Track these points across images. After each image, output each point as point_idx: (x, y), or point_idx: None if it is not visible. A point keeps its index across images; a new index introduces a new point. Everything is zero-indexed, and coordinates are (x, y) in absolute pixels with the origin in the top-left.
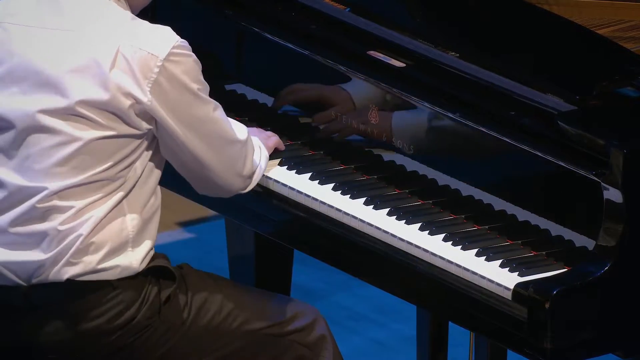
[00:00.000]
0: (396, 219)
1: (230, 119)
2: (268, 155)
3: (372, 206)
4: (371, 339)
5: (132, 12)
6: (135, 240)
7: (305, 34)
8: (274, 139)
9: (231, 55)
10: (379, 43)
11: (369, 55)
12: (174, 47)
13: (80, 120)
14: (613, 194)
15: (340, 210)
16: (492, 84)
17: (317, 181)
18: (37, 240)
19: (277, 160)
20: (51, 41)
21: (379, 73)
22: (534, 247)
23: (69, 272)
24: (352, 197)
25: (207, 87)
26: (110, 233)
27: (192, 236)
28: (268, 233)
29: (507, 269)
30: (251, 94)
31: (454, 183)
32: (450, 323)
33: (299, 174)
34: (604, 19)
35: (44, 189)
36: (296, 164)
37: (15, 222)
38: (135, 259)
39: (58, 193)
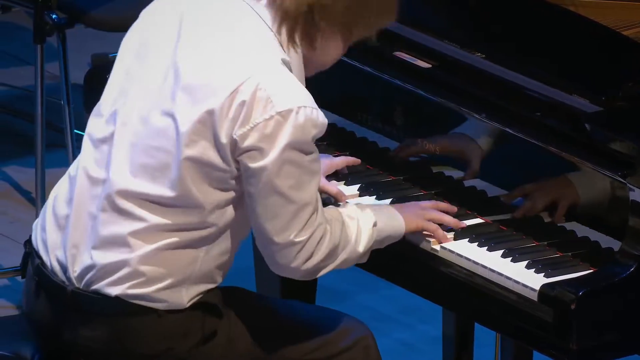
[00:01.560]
0: None
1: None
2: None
3: None
4: (397, 340)
5: (306, 70)
6: (195, 281)
7: None
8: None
9: None
10: (405, 44)
11: (395, 56)
12: (299, 107)
13: (183, 138)
14: (639, 195)
15: None
16: (517, 84)
17: (343, 182)
18: (103, 240)
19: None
20: (201, 50)
21: (405, 74)
22: (559, 248)
23: (119, 291)
24: (378, 198)
25: (312, 165)
26: (174, 267)
27: None
28: None
29: (533, 270)
30: None
31: (480, 184)
32: (475, 324)
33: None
34: (629, 20)
35: (128, 186)
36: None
37: (100, 216)
38: (188, 297)
39: (142, 199)
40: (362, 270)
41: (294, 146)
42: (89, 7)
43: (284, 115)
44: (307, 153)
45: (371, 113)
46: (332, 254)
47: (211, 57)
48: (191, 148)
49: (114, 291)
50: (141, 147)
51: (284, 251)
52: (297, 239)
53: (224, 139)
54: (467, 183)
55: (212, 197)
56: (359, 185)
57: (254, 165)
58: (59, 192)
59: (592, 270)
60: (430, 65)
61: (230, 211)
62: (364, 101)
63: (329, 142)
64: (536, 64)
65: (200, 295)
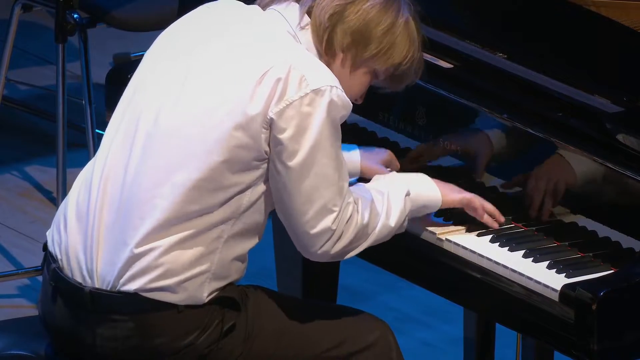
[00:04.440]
0: (444, 220)
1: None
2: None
3: None
4: (418, 340)
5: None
6: (214, 276)
7: None
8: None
9: None
10: (427, 44)
11: None
12: (331, 87)
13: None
14: None
15: None
16: (539, 85)
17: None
18: (125, 234)
19: None
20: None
21: (427, 74)
22: (581, 249)
23: (138, 285)
24: None
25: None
26: (194, 258)
27: None
28: None
29: (554, 270)
30: None
31: (501, 184)
32: (497, 324)
33: None
34: None
35: (151, 177)
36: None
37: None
38: (208, 291)
39: (163, 184)
40: (383, 271)
41: (329, 124)
42: (111, 6)
43: (318, 92)
44: (338, 132)
45: (393, 113)
46: (361, 235)
47: (247, 46)
48: (218, 129)
49: (132, 286)
50: (172, 136)
51: (318, 237)
52: (334, 226)
53: (253, 111)
54: (489, 183)
55: (234, 179)
56: None
57: (292, 146)
58: (74, 193)
59: (613, 271)
60: (452, 66)
61: (249, 197)
62: (385, 101)
63: (351, 142)
64: (557, 64)
65: (219, 291)
